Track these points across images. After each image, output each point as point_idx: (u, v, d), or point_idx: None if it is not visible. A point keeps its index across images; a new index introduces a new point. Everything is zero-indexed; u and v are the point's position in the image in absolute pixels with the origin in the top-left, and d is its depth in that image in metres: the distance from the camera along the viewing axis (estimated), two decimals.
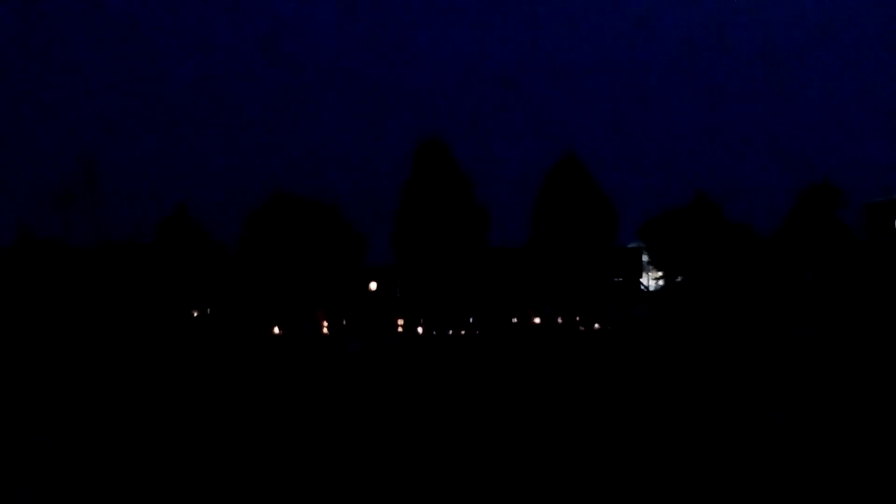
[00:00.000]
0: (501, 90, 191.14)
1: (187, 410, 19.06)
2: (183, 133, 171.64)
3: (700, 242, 54.84)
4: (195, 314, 54.58)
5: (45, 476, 11.85)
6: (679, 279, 56.89)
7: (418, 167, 55.47)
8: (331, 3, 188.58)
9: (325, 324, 49.02)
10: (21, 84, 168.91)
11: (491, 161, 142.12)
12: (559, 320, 53.13)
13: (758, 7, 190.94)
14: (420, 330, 50.24)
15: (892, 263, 53.56)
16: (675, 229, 55.84)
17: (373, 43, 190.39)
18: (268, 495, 10.59)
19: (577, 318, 53.40)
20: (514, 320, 53.13)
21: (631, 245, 62.09)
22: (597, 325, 52.12)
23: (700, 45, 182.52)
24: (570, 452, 13.32)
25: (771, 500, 10.22)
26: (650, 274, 61.49)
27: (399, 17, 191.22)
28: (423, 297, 53.52)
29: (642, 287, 61.00)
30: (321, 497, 10.61)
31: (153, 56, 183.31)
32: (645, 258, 60.83)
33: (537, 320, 52.61)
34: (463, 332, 50.47)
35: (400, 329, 49.88)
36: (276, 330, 47.63)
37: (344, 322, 50.83)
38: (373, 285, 54.37)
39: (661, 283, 59.41)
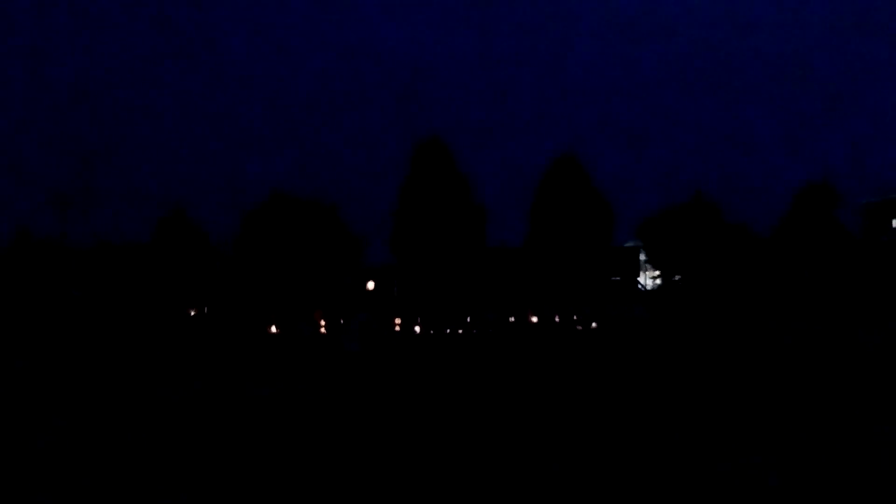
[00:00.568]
0: (500, 88, 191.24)
1: (185, 409, 19.07)
2: (181, 133, 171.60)
3: (698, 242, 54.95)
4: (193, 313, 54.62)
5: (45, 475, 11.86)
6: (676, 278, 56.97)
7: (416, 166, 55.52)
8: (330, 3, 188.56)
9: (323, 323, 49.02)
10: (19, 83, 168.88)
11: (489, 160, 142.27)
12: (556, 319, 53.19)
13: (756, 7, 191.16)
14: (417, 329, 50.27)
15: (889, 263, 53.65)
16: (673, 228, 55.95)
17: (370, 41, 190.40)
18: (267, 494, 10.60)
19: (575, 318, 53.46)
20: (512, 319, 53.19)
21: (628, 244, 62.14)
22: (594, 325, 52.15)
23: (700, 43, 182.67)
24: (567, 451, 13.35)
25: (770, 499, 10.25)
26: (647, 273, 61.57)
27: (398, 14, 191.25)
28: (420, 296, 53.57)
29: (640, 286, 61.07)
30: (321, 496, 10.62)
31: (152, 55, 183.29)
32: (642, 257, 60.88)
33: (534, 319, 52.65)
34: (460, 332, 50.50)
35: (397, 328, 49.89)
36: (274, 329, 47.62)
37: (342, 322, 50.86)
38: (370, 285, 54.40)
39: (658, 282, 59.48)
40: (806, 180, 56.91)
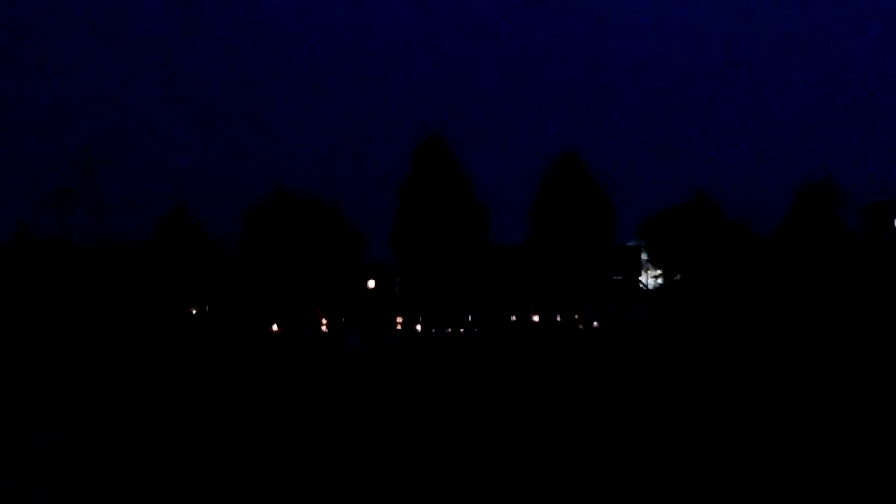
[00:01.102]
0: (501, 87, 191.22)
1: (186, 407, 19.05)
2: (182, 131, 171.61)
3: (699, 241, 54.89)
4: (194, 312, 54.62)
5: (45, 474, 11.84)
6: (678, 277, 56.94)
7: (418, 165, 55.46)
8: (329, 2, 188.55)
9: (324, 321, 49.03)
10: (19, 81, 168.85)
11: (490, 159, 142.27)
12: (558, 318, 53.19)
13: (757, 6, 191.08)
14: (419, 328, 50.27)
15: (890, 263, 53.64)
16: (674, 228, 55.88)
17: (372, 40, 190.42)
18: (267, 493, 10.59)
19: (576, 317, 53.45)
20: (513, 318, 53.18)
21: (630, 243, 62.12)
22: (595, 324, 52.15)
23: (701, 42, 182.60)
24: (566, 450, 13.32)
25: (770, 499, 10.24)
26: (649, 272, 61.56)
27: (398, 14, 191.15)
28: (422, 295, 53.55)
29: (641, 285, 61.07)
30: (320, 494, 10.60)
31: (152, 53, 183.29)
32: (644, 256, 60.89)
33: (536, 318, 52.66)
34: (462, 330, 50.49)
35: (399, 327, 49.90)
36: (275, 328, 47.65)
37: (343, 320, 50.85)
38: (371, 283, 54.38)
39: (659, 281, 59.46)
40: (807, 180, 56.81)
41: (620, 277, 59.05)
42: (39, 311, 49.58)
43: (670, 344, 40.05)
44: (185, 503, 10.15)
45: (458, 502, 10.07)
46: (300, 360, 33.18)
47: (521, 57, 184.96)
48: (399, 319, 50.72)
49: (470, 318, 52.05)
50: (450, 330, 49.91)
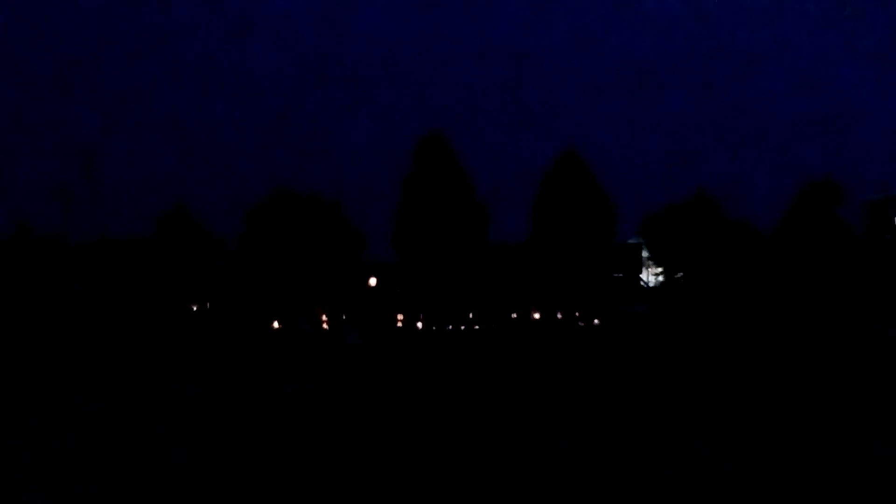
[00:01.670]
0: (502, 84, 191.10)
1: (187, 404, 19.02)
2: (183, 128, 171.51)
3: (700, 239, 54.86)
4: (195, 308, 54.64)
5: (45, 472, 11.80)
6: (679, 275, 56.91)
7: (418, 162, 55.40)
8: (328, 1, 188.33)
9: (325, 319, 49.02)
10: (19, 78, 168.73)
11: (491, 156, 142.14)
12: (559, 316, 53.18)
13: (758, 4, 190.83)
14: (419, 325, 50.26)
15: (891, 260, 53.60)
16: (676, 225, 55.85)
17: (372, 37, 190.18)
18: (267, 490, 10.55)
19: (577, 314, 53.43)
20: (514, 316, 53.18)
21: (631, 241, 62.08)
22: (596, 321, 52.11)
23: (701, 40, 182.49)
24: (565, 449, 13.29)
25: (769, 499, 10.20)
26: (650, 270, 61.52)
27: (398, 11, 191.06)
28: (422, 292, 53.53)
29: (642, 283, 61.05)
30: (320, 492, 10.57)
31: (152, 50, 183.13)
32: (645, 254, 60.86)
33: (537, 316, 52.65)
34: (462, 328, 50.47)
35: (399, 324, 49.89)
36: (276, 325, 47.64)
37: (343, 317, 50.86)
38: (372, 281, 54.38)
39: (660, 279, 59.42)
40: (808, 178, 56.74)
41: (621, 275, 59.03)
42: (39, 307, 49.56)
43: (671, 341, 40.02)
44: (185, 501, 10.12)
45: (457, 500, 10.03)
46: (300, 357, 33.18)
47: (521, 54, 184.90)
48: (400, 317, 50.70)
49: (471, 316, 52.04)
50: (450, 327, 49.89)
